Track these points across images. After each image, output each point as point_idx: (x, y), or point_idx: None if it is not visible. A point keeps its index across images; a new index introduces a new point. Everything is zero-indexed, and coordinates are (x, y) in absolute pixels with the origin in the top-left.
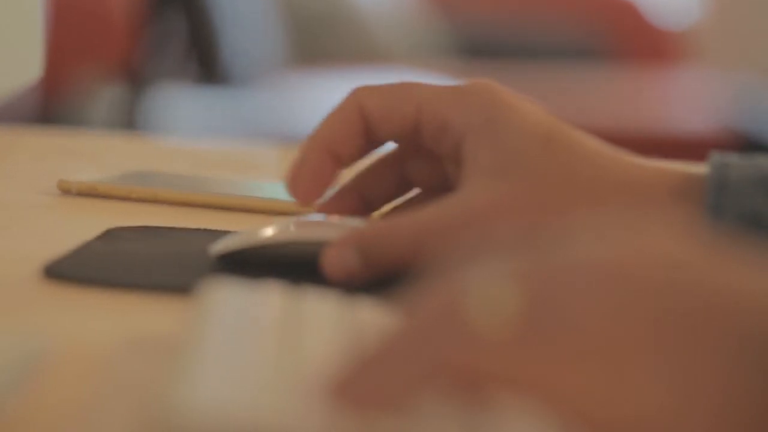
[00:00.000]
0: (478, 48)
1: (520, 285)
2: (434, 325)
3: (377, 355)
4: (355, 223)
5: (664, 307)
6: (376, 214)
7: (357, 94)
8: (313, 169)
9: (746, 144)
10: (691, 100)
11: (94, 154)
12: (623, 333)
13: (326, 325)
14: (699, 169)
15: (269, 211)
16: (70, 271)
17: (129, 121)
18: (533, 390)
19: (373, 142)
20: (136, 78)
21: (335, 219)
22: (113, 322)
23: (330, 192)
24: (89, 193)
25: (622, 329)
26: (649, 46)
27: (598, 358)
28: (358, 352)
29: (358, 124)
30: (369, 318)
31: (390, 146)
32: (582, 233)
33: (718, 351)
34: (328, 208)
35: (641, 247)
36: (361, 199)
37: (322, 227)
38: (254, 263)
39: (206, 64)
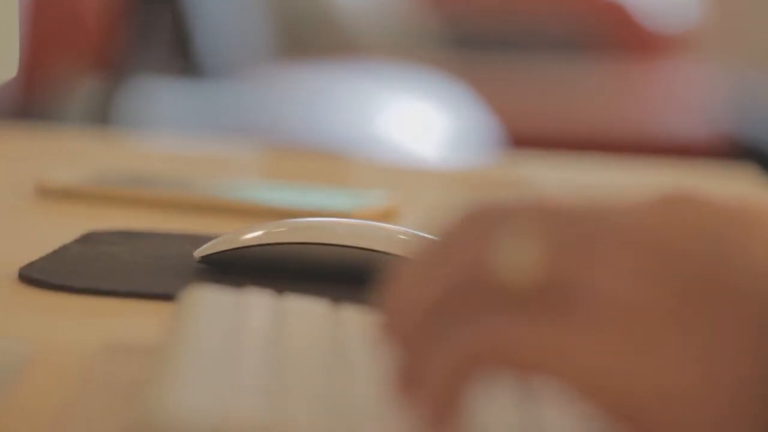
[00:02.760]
0: (468, 40)
1: (550, 250)
2: (464, 297)
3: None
4: (340, 224)
5: (694, 278)
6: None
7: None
8: None
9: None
10: (684, 101)
11: (73, 154)
12: (651, 304)
13: (308, 333)
14: None
15: (252, 212)
16: (46, 275)
17: (108, 115)
18: (558, 358)
19: None
20: (116, 71)
21: (323, 220)
22: (91, 327)
23: None
24: (68, 194)
25: (650, 300)
26: (640, 45)
27: (623, 328)
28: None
29: None
30: (352, 325)
31: None
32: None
33: (747, 329)
34: None
35: (682, 218)
36: None
37: (309, 229)
38: (238, 266)
39: (187, 57)
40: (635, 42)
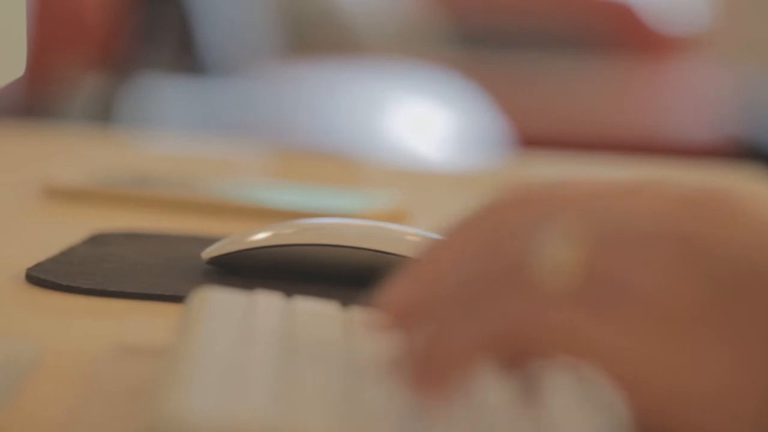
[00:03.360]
0: (475, 39)
1: (586, 247)
2: (497, 279)
3: (439, 311)
4: (347, 225)
5: (729, 281)
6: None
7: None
8: None
9: (747, 150)
10: (691, 102)
11: (79, 154)
12: (684, 303)
13: (317, 335)
14: None
15: (260, 213)
16: (53, 276)
17: (112, 113)
18: (590, 350)
19: None
20: (120, 70)
21: (332, 222)
22: (98, 328)
23: None
24: (75, 195)
25: (683, 299)
26: (647, 46)
27: (655, 325)
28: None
29: None
30: (361, 326)
31: None
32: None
33: None
34: None
35: (724, 223)
36: None
37: (317, 231)
38: (246, 268)
39: (192, 55)
40: (642, 42)
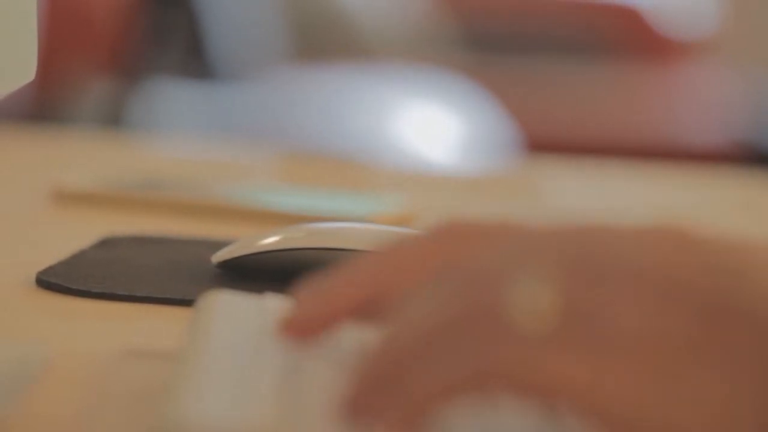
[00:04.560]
0: (483, 44)
1: (562, 284)
2: (473, 320)
3: (411, 349)
4: (357, 229)
5: (708, 310)
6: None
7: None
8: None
9: (756, 155)
10: (699, 107)
11: (88, 158)
12: (669, 336)
13: (326, 340)
14: None
15: (268, 217)
16: (63, 280)
17: (121, 117)
18: (574, 389)
19: None
20: (130, 74)
21: (341, 225)
22: (108, 332)
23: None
24: (85, 199)
25: (668, 332)
26: (655, 50)
27: (645, 361)
28: (386, 349)
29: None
30: (370, 332)
31: None
32: (630, 242)
33: (764, 356)
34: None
35: (689, 254)
36: None
37: (326, 234)
38: (255, 271)
39: (201, 59)
40: (650, 47)
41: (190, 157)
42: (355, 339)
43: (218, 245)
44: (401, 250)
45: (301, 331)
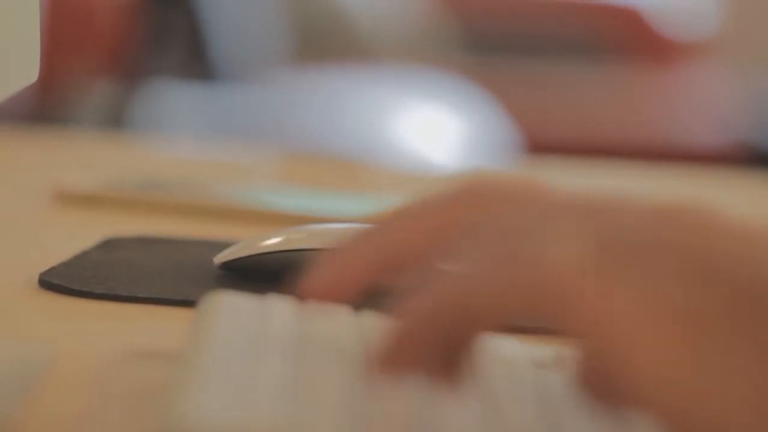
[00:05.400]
0: (484, 45)
1: (599, 254)
2: (507, 274)
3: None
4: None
5: (747, 294)
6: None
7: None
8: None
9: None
10: (700, 108)
11: (90, 159)
12: (707, 310)
13: (329, 340)
14: None
15: (271, 218)
16: (66, 280)
17: (123, 118)
18: (611, 329)
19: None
20: (131, 75)
21: (343, 226)
22: (111, 333)
23: None
24: (87, 200)
25: (706, 306)
26: (656, 52)
27: (678, 331)
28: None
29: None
30: (374, 332)
31: None
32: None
33: None
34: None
35: (704, 232)
36: None
37: (328, 235)
38: (257, 272)
39: (202, 60)
40: (651, 48)
41: (192, 157)
42: (356, 339)
43: (220, 246)
44: (424, 209)
45: (325, 293)
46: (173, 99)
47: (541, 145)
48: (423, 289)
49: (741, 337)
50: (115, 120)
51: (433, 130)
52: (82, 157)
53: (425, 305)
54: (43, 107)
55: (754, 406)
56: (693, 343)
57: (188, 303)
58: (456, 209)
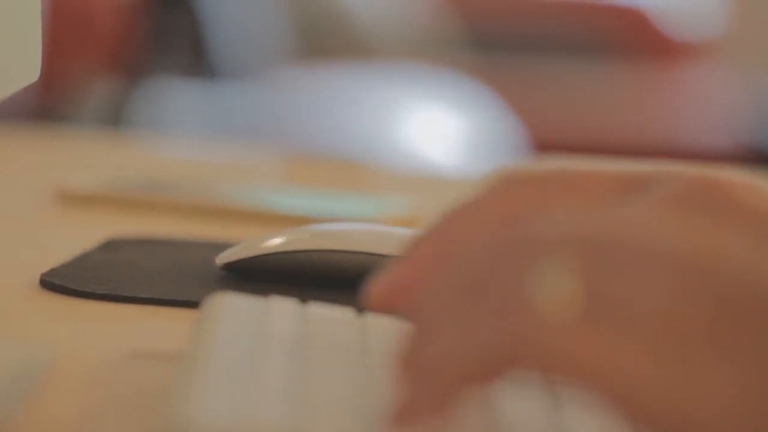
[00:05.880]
0: (487, 44)
1: (584, 264)
2: (496, 302)
3: (433, 326)
4: (362, 230)
5: (732, 299)
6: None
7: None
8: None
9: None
10: (704, 108)
11: (91, 159)
12: (689, 323)
13: (332, 341)
14: None
15: (273, 219)
16: (67, 281)
17: (124, 117)
18: (596, 372)
19: None
20: (132, 73)
21: (346, 227)
22: (112, 334)
23: None
24: (88, 200)
25: (688, 319)
26: (661, 52)
27: (661, 346)
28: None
29: None
30: (376, 332)
31: None
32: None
33: None
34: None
35: (717, 243)
36: None
37: (331, 236)
38: (260, 273)
39: (204, 59)
40: (655, 48)
41: (194, 157)
42: (357, 339)
43: (222, 247)
44: (474, 209)
45: (391, 298)
46: (174, 98)
47: (544, 145)
48: (418, 337)
49: (717, 350)
50: (117, 119)
51: (436, 129)
52: (84, 157)
53: (426, 366)
54: (45, 106)
55: (717, 417)
56: (666, 357)
57: (190, 304)
58: (505, 205)
